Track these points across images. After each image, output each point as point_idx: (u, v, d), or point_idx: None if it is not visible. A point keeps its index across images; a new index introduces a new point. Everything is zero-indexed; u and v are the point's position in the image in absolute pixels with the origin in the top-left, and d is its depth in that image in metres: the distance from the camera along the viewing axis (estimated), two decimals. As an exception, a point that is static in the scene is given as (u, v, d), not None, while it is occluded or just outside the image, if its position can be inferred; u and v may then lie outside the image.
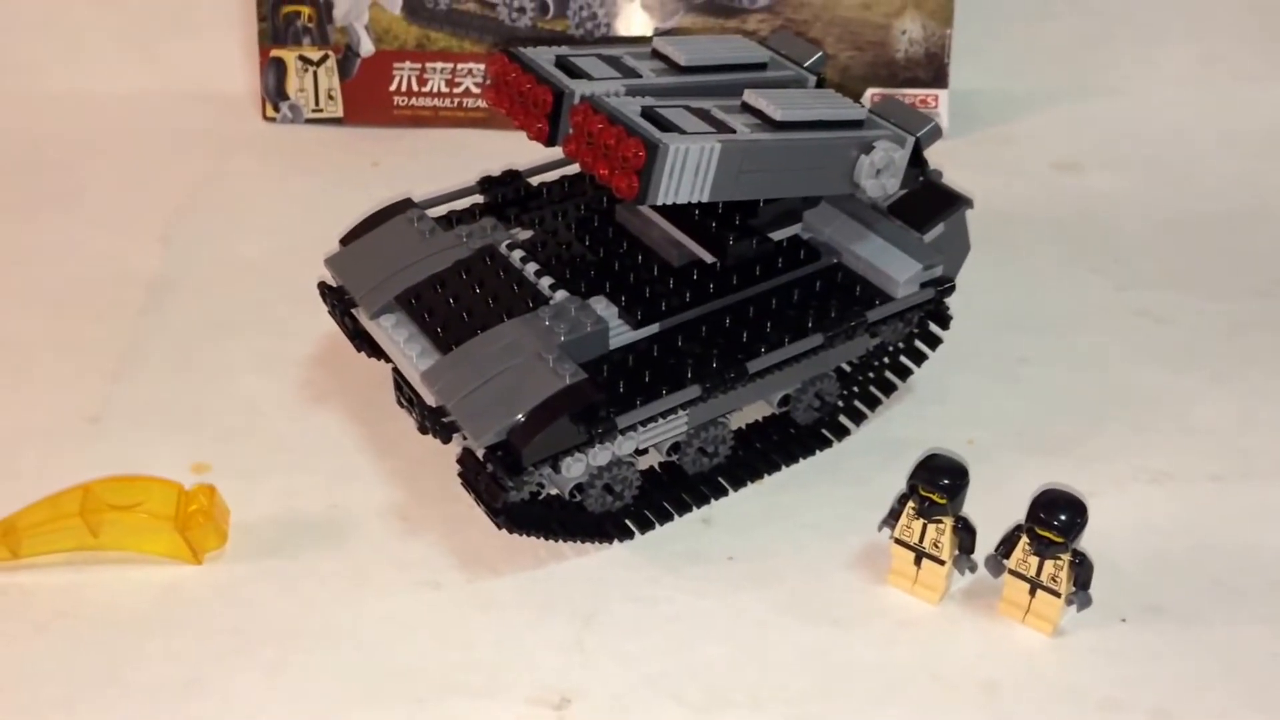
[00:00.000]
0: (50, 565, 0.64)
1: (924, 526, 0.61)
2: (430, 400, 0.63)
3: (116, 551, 0.64)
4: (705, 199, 0.61)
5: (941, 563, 0.62)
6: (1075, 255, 0.90)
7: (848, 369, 0.74)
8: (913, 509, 0.62)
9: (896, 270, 0.68)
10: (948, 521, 0.61)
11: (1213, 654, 0.61)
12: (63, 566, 0.64)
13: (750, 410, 0.71)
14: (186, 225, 0.93)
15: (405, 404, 0.69)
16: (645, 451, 0.67)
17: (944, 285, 0.70)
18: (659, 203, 0.60)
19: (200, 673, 0.59)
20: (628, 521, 0.67)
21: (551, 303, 0.64)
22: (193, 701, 0.58)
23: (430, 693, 0.59)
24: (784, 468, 0.71)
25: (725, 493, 0.69)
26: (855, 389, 0.74)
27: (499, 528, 0.63)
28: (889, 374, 0.74)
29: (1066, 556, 0.59)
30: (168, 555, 0.64)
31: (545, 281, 0.66)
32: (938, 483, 0.60)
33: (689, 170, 0.60)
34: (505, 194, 0.76)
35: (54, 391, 0.76)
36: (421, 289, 0.67)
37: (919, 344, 0.74)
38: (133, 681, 0.59)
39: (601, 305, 0.64)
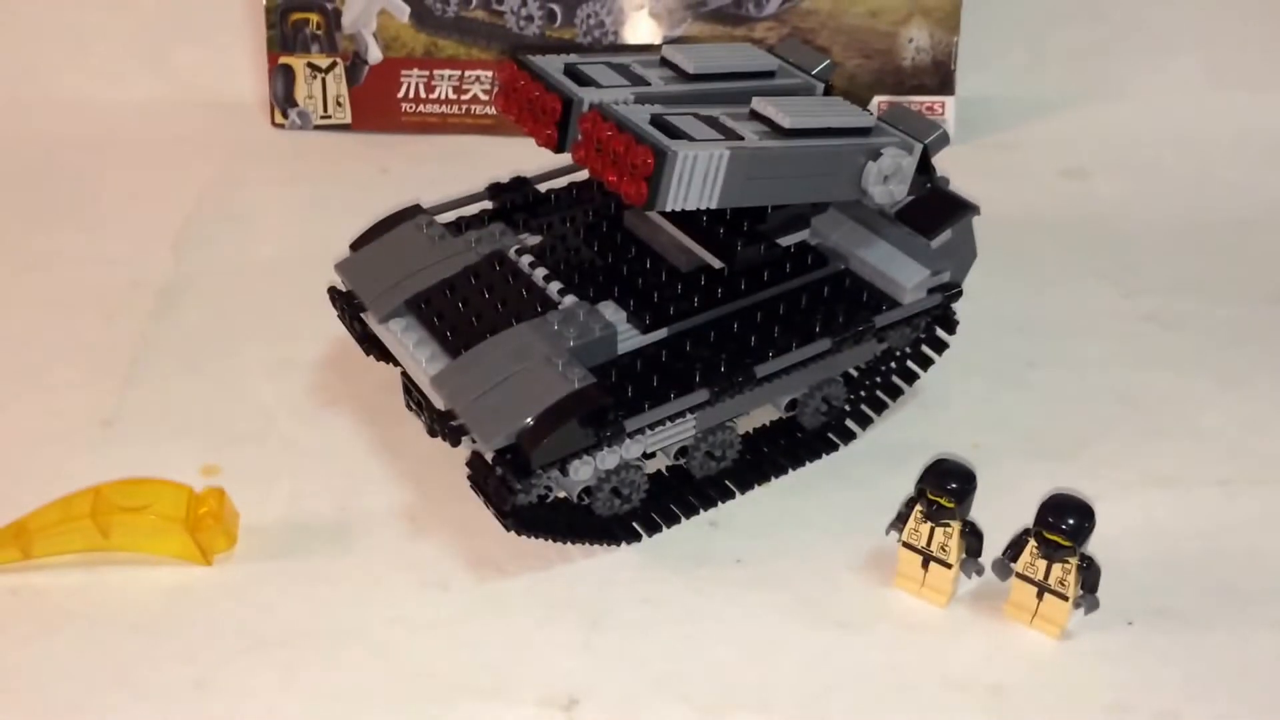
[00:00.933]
0: (62, 566, 0.65)
1: (931, 530, 0.62)
2: (439, 404, 0.63)
3: (127, 553, 0.65)
4: (714, 205, 0.62)
5: (949, 566, 0.62)
6: (1082, 261, 0.90)
7: (855, 374, 0.74)
8: (920, 513, 0.62)
9: (904, 276, 0.69)
10: (955, 525, 0.61)
11: (1220, 657, 0.61)
12: (74, 567, 0.65)
13: (757, 414, 0.72)
14: (197, 231, 0.94)
15: (414, 407, 0.69)
16: (653, 455, 0.67)
17: (951, 291, 0.70)
18: (668, 209, 0.61)
19: (211, 673, 0.60)
20: (635, 524, 0.67)
21: (560, 307, 0.65)
22: (203, 702, 0.59)
23: (440, 693, 0.59)
24: (791, 471, 0.71)
25: (732, 496, 0.70)
26: (862, 393, 0.74)
27: (507, 530, 0.64)
28: (896, 379, 0.75)
29: (1074, 560, 0.59)
30: (178, 556, 0.65)
31: (554, 286, 0.67)
32: (945, 487, 0.61)
33: (697, 177, 0.61)
34: (514, 200, 0.76)
35: (67, 395, 0.77)
36: (431, 294, 0.68)
37: (926, 349, 0.74)
38: (143, 682, 0.59)
39: (610, 310, 0.65)
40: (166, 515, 0.64)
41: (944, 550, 0.62)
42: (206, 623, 0.62)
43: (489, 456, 0.62)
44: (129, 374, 0.79)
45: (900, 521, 0.63)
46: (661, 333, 0.65)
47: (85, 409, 0.76)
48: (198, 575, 0.65)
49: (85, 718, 0.58)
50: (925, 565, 0.63)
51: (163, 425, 0.75)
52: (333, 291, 0.73)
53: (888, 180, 0.66)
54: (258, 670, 0.60)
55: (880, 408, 0.74)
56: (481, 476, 0.63)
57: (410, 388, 0.68)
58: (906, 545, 0.63)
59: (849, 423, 0.74)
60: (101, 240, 0.92)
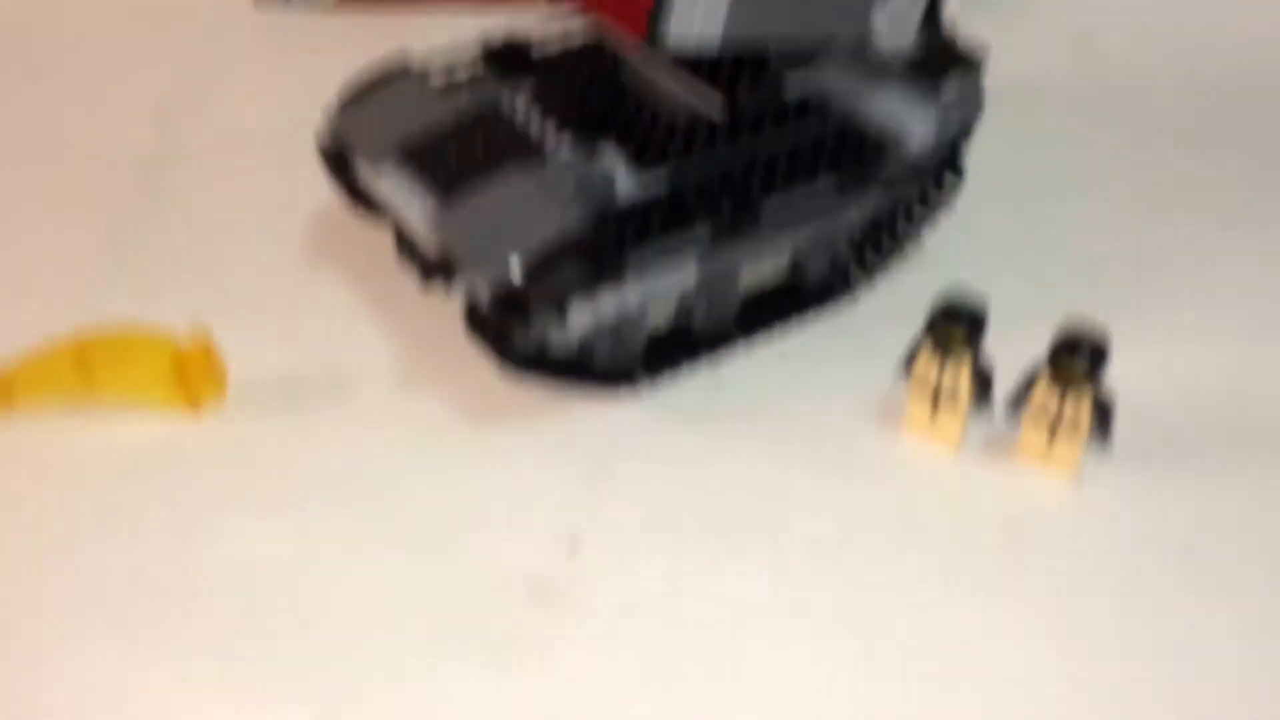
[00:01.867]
0: (45, 416, 0.63)
1: (942, 365, 0.60)
2: (433, 246, 0.61)
3: (112, 401, 0.63)
4: (718, 40, 0.59)
5: (958, 408, 0.61)
6: (1094, 122, 0.88)
7: (859, 227, 0.72)
8: (932, 346, 0.60)
9: (910, 124, 0.67)
10: (966, 360, 0.60)
11: (1236, 499, 0.59)
12: (58, 417, 0.63)
13: (762, 275, 0.70)
14: (177, 105, 0.90)
15: (407, 256, 0.67)
16: (651, 313, 0.66)
17: (958, 140, 0.68)
18: (669, 43, 0.58)
19: (203, 520, 0.58)
20: (636, 375, 0.65)
21: (558, 149, 0.62)
22: (196, 548, 0.57)
23: (438, 532, 0.57)
24: (796, 327, 0.69)
25: (737, 348, 0.68)
26: (868, 249, 0.72)
27: (506, 373, 0.62)
28: (902, 233, 0.73)
29: (1088, 395, 0.58)
30: (165, 403, 0.63)
31: (551, 130, 0.64)
32: (957, 317, 0.59)
33: (700, 5, 0.58)
34: (506, 57, 0.74)
35: (47, 256, 0.74)
36: (423, 141, 0.65)
37: (932, 201, 0.72)
38: (133, 529, 0.58)
39: (609, 152, 0.62)
40: (152, 362, 0.62)
41: (954, 389, 0.60)
42: (197, 472, 0.60)
43: (485, 299, 0.60)
44: (111, 239, 0.76)
45: (911, 359, 0.61)
46: (661, 173, 0.63)
47: (67, 273, 0.73)
48: (187, 428, 0.63)
49: (73, 563, 0.56)
50: (935, 405, 0.61)
51: (148, 288, 0.72)
52: (321, 145, 0.70)
53: (894, 23, 0.64)
54: (252, 516, 0.58)
55: (886, 263, 0.72)
56: (478, 320, 0.61)
57: (402, 238, 0.66)
58: (915, 381, 0.61)
59: (854, 279, 0.72)
60: (80, 112, 0.89)
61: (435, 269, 0.60)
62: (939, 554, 0.57)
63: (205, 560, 0.56)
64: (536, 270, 0.57)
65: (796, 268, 0.70)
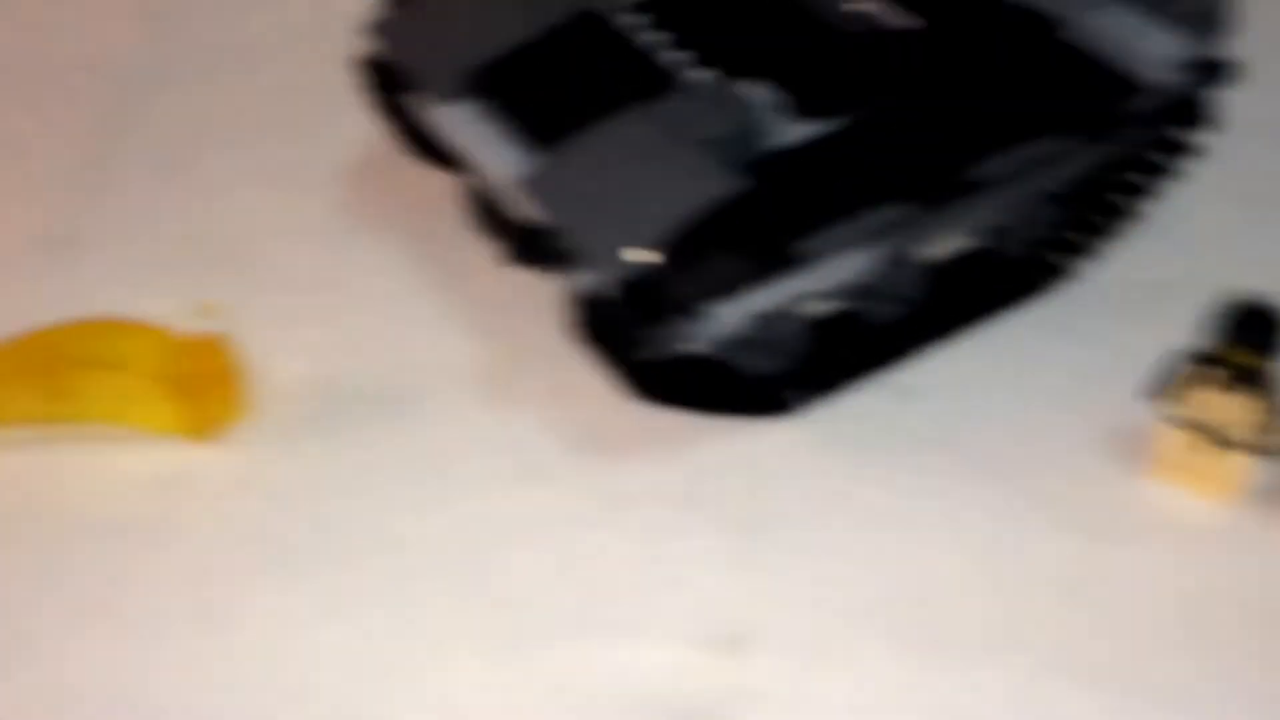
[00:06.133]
0: (3, 444, 0.47)
1: (1217, 400, 0.44)
2: (531, 216, 0.45)
3: (93, 425, 0.47)
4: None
5: (1237, 447, 0.44)
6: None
7: (1076, 186, 0.55)
8: (1206, 370, 0.44)
9: (1146, 48, 0.51)
10: (1260, 389, 0.44)
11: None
12: (20, 445, 0.47)
13: (949, 249, 0.53)
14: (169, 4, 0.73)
15: (486, 225, 0.50)
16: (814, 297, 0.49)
17: (1211, 69, 0.52)
18: None
19: (213, 596, 0.43)
20: (797, 389, 0.49)
21: (685, 84, 0.48)
22: (205, 635, 0.42)
23: (549, 632, 0.42)
24: (997, 320, 0.53)
25: (922, 352, 0.51)
26: (1087, 214, 0.55)
27: (633, 397, 0.47)
28: (1133, 194, 0.56)
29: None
30: (163, 430, 0.47)
31: (676, 56, 0.49)
32: (1253, 336, 0.43)
33: None
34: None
35: (9, 206, 0.58)
36: (507, 64, 0.50)
37: (1164, 155, 0.55)
38: (123, 607, 0.43)
39: (755, 89, 0.47)
40: (147, 372, 0.46)
41: (1235, 423, 0.44)
42: (207, 525, 0.46)
43: (603, 291, 0.44)
44: (91, 178, 0.60)
45: (1164, 385, 0.45)
46: (828, 120, 0.47)
47: (33, 225, 0.57)
48: (194, 458, 0.47)
49: (43, 654, 0.42)
50: (1200, 446, 0.45)
51: (137, 250, 0.57)
52: (364, 62, 0.54)
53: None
54: (279, 592, 0.43)
55: (1106, 235, 0.56)
56: (592, 320, 0.45)
57: (478, 199, 0.50)
58: (1176, 420, 0.45)
59: (1069, 255, 0.55)
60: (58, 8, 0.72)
61: (534, 247, 0.45)
62: (1219, 658, 0.42)
63: (215, 669, 0.41)
64: (681, 259, 0.42)
65: (996, 239, 0.53)
